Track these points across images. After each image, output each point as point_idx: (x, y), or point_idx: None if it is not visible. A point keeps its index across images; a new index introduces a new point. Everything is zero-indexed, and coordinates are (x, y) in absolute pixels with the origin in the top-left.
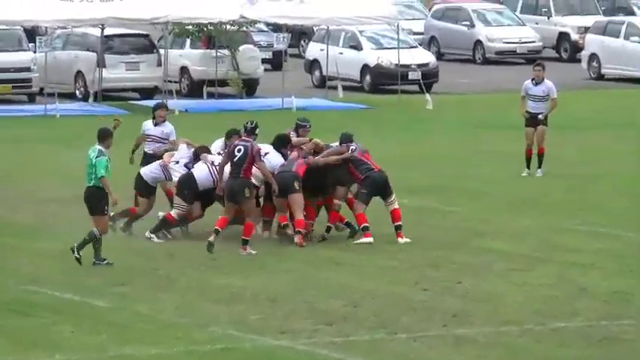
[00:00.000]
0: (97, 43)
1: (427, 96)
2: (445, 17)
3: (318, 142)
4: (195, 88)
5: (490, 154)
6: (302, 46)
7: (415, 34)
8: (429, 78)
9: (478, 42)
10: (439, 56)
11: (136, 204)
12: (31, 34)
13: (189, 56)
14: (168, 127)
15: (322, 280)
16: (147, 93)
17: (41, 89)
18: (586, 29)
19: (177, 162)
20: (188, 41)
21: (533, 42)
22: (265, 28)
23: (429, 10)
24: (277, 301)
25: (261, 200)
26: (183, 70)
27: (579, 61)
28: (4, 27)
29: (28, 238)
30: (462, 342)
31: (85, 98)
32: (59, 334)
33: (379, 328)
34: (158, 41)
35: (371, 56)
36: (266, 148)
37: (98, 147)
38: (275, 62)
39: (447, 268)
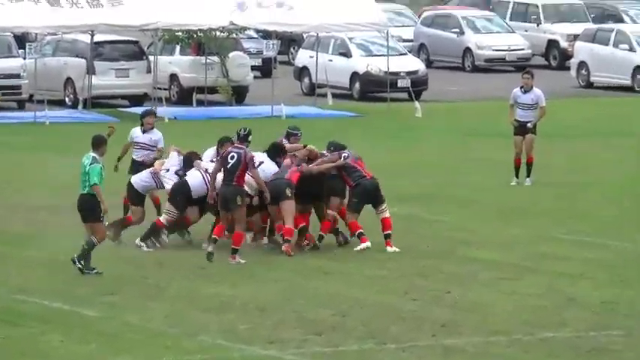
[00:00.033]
0: (86, 50)
1: (416, 103)
2: (434, 24)
3: (312, 148)
4: (184, 96)
5: (480, 162)
6: (291, 53)
7: (405, 41)
8: (418, 85)
9: (467, 49)
10: (428, 64)
11: (124, 212)
12: (21, 40)
13: (178, 63)
14: (156, 135)
15: (311, 289)
16: (136, 100)
17: (31, 96)
18: (575, 37)
19: (168, 170)
20: (178, 48)
21: (523, 49)
22: (255, 35)
23: (419, 17)
24: (266, 310)
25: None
26: (173, 77)
27: (568, 68)
28: None
29: (17, 247)
30: (450, 352)
31: (74, 105)
32: (48, 343)
33: (368, 338)
34: (148, 48)
35: (360, 63)
36: (261, 157)
37: (92, 154)
38: (264, 69)
39: (436, 278)
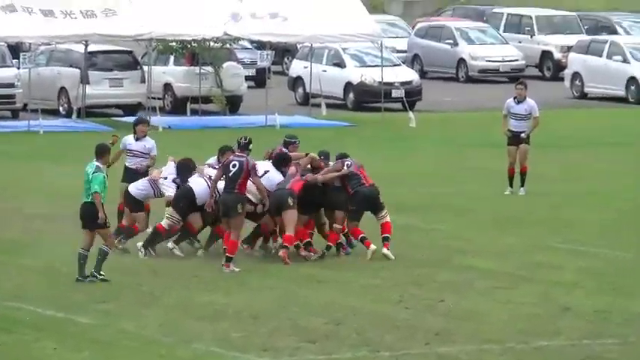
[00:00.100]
0: (80, 60)
1: (410, 114)
2: (428, 35)
3: (314, 156)
4: (178, 105)
5: (475, 171)
6: (285, 64)
7: (398, 51)
8: (412, 96)
9: (461, 60)
10: (422, 74)
11: (119, 220)
12: (15, 50)
13: (172, 73)
14: (149, 142)
15: (305, 297)
16: (130, 109)
17: (25, 105)
18: (569, 48)
19: (166, 178)
20: (172, 58)
21: (516, 60)
22: (249, 46)
23: (413, 28)
24: (260, 318)
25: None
26: (167, 86)
27: (562, 79)
28: None
29: (12, 254)
30: None
31: (68, 114)
32: (41, 350)
33: (362, 346)
34: (142, 58)
35: (354, 74)
36: (265, 166)
37: (96, 163)
38: (258, 79)
39: (430, 287)
